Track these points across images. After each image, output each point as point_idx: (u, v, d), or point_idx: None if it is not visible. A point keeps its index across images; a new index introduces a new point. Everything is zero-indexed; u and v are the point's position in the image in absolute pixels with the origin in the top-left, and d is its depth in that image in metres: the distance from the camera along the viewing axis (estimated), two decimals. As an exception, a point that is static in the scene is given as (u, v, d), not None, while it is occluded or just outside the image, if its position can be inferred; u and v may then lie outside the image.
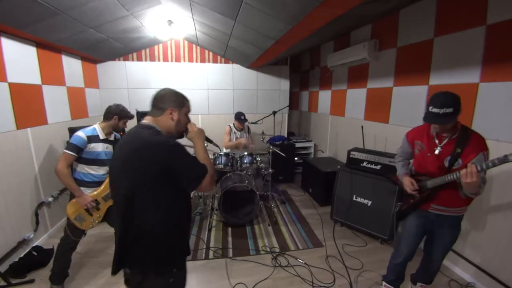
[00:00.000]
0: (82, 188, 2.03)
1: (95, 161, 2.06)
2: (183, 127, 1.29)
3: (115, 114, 2.11)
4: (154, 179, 1.08)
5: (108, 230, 2.87)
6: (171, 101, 1.23)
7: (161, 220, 1.13)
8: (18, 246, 2.50)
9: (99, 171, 2.11)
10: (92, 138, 2.03)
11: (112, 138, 2.19)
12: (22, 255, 2.47)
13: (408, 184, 1.75)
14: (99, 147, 2.07)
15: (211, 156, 3.59)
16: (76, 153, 1.96)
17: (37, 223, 2.76)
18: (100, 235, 2.94)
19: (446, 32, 2.36)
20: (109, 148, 2.16)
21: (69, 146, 1.95)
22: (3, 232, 2.37)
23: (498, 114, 1.98)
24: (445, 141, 1.61)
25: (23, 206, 2.62)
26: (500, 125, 1.97)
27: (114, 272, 1.18)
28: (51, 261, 2.18)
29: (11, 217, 2.45)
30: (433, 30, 2.48)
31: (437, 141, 1.63)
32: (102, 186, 2.11)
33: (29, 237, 2.60)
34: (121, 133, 2.35)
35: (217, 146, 1.71)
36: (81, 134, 1.98)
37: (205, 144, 1.36)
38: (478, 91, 2.11)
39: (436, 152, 1.62)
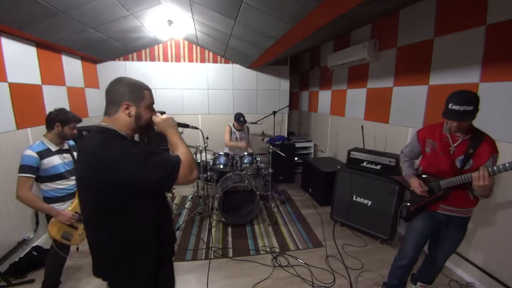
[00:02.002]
0: (58, 204, 1.91)
1: (57, 176, 1.90)
2: (146, 122, 1.12)
3: (56, 121, 1.87)
4: (115, 196, 0.98)
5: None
6: (126, 93, 1.05)
7: (126, 235, 1.04)
8: (18, 246, 2.50)
9: (68, 182, 1.96)
10: (44, 153, 1.82)
11: (66, 147, 2.00)
12: (22, 255, 2.47)
13: (417, 185, 1.74)
14: (55, 161, 1.88)
15: (210, 157, 3.60)
16: (32, 174, 1.77)
17: (37, 223, 2.76)
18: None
19: (446, 32, 2.36)
20: (67, 158, 1.98)
21: (21, 168, 1.75)
22: (3, 232, 2.38)
23: (498, 114, 1.98)
24: (459, 141, 1.61)
25: (23, 206, 2.59)
26: (500, 125, 1.97)
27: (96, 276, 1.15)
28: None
29: (11, 217, 2.46)
30: (433, 30, 2.48)
31: (451, 141, 1.64)
32: (77, 197, 1.99)
33: (29, 237, 2.60)
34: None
35: (197, 128, 1.54)
36: (29, 152, 1.77)
37: (181, 131, 1.23)
38: (478, 91, 2.11)
39: (451, 151, 1.63)
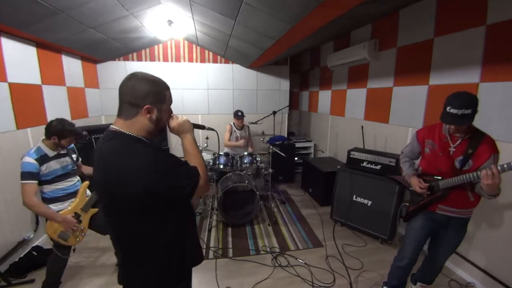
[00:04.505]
0: (57, 204, 1.93)
1: (56, 179, 1.93)
2: (163, 124, 1.05)
3: (54, 134, 1.85)
4: (136, 205, 0.91)
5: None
6: (148, 95, 0.93)
7: (149, 244, 0.98)
8: (18, 246, 2.50)
9: (67, 183, 2.00)
10: (42, 159, 1.84)
11: (63, 151, 1.99)
12: (22, 255, 2.47)
13: (416, 183, 1.73)
14: (53, 166, 1.90)
15: (210, 157, 3.60)
16: (34, 180, 1.80)
17: (37, 223, 2.76)
18: (97, 235, 2.93)
19: (446, 32, 2.36)
20: (64, 161, 1.99)
21: (23, 175, 1.77)
22: (3, 232, 2.38)
23: (498, 114, 1.98)
24: (458, 142, 1.60)
25: (23, 206, 2.62)
26: (500, 125, 1.97)
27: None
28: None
29: (11, 217, 2.46)
30: (433, 30, 2.48)
31: (450, 141, 1.63)
32: (78, 198, 2.01)
33: (29, 237, 2.60)
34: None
35: (213, 129, 1.42)
36: (28, 159, 1.78)
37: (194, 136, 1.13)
38: (478, 91, 2.11)
39: (451, 152, 1.62)
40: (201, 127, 1.30)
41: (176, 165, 0.94)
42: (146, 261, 1.01)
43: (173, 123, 1.06)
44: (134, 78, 0.94)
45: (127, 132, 0.93)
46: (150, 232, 0.97)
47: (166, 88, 1.01)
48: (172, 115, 1.07)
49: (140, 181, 0.86)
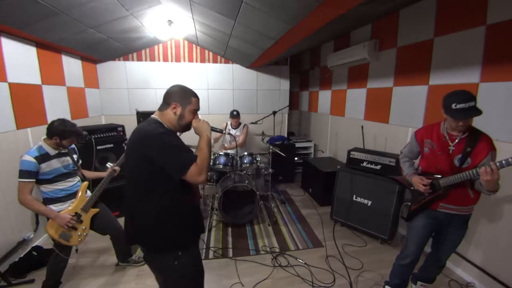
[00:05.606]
0: (58, 204, 1.94)
1: (57, 178, 1.93)
2: (186, 123, 1.33)
3: (56, 134, 1.85)
4: (145, 168, 1.19)
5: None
6: (177, 96, 1.30)
7: (157, 206, 1.24)
8: (18, 246, 2.50)
9: (67, 183, 2.00)
10: (42, 158, 1.83)
11: (65, 150, 1.99)
12: (22, 255, 2.47)
13: (418, 181, 1.74)
14: (54, 164, 1.89)
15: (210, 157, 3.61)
16: (32, 178, 1.79)
17: (37, 223, 2.76)
18: (98, 235, 2.93)
19: (446, 32, 2.36)
20: (65, 161, 1.98)
21: (21, 174, 1.76)
22: (3, 232, 2.38)
23: (498, 114, 1.98)
24: (456, 140, 1.62)
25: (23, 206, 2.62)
26: (500, 125, 1.97)
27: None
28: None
29: (11, 217, 2.46)
30: (433, 30, 2.48)
31: (449, 140, 1.65)
32: (78, 198, 2.01)
33: (29, 237, 2.60)
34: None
35: (230, 134, 1.68)
36: (28, 158, 1.77)
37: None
38: (478, 91, 2.12)
39: (450, 150, 1.64)
40: (219, 131, 1.57)
41: (177, 147, 1.20)
42: (142, 227, 1.28)
43: (194, 123, 1.36)
44: (173, 86, 1.34)
45: (157, 118, 1.30)
46: (150, 204, 1.24)
47: (193, 95, 1.33)
48: (197, 118, 1.37)
49: (147, 142, 1.17)
